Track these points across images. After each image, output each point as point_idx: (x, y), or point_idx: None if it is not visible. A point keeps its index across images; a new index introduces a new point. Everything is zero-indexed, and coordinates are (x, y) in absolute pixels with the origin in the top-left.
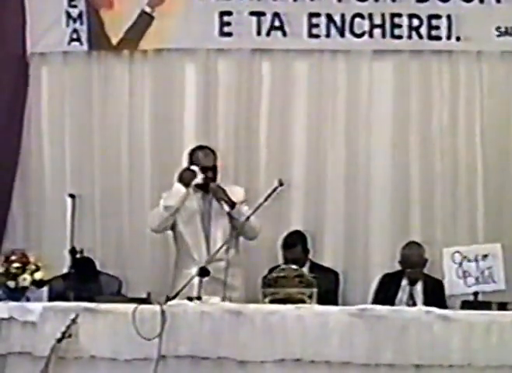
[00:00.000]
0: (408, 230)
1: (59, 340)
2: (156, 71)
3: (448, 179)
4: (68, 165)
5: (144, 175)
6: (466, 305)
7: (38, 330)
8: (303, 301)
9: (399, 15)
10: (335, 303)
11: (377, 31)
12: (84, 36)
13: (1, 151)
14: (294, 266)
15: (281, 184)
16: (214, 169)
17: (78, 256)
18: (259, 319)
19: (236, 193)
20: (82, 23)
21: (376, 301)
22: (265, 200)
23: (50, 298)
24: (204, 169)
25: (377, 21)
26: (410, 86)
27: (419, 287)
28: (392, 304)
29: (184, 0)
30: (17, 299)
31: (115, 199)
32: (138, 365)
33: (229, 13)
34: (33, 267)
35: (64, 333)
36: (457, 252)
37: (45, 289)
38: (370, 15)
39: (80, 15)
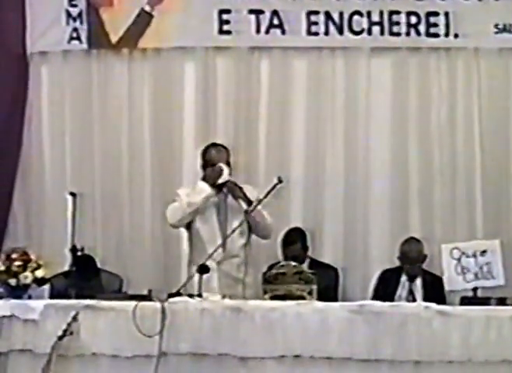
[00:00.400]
0: (407, 226)
1: (60, 338)
2: (155, 69)
3: (447, 176)
4: (69, 164)
5: (144, 173)
6: (465, 301)
7: (39, 328)
8: (303, 298)
9: (397, 13)
10: (335, 299)
11: (376, 28)
12: (84, 35)
13: (1, 149)
14: (294, 263)
15: (280, 181)
16: (227, 166)
17: (78, 253)
18: (259, 316)
19: (248, 191)
20: (81, 22)
21: (375, 297)
22: (265, 197)
23: (52, 296)
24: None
25: (376, 18)
26: (408, 83)
27: (418, 282)
28: (392, 300)
29: None
30: (19, 297)
31: (115, 197)
32: (139, 362)
33: (228, 11)
34: (35, 265)
35: (65, 331)
36: (456, 248)
37: (46, 287)
38: (369, 13)
39: (80, 14)
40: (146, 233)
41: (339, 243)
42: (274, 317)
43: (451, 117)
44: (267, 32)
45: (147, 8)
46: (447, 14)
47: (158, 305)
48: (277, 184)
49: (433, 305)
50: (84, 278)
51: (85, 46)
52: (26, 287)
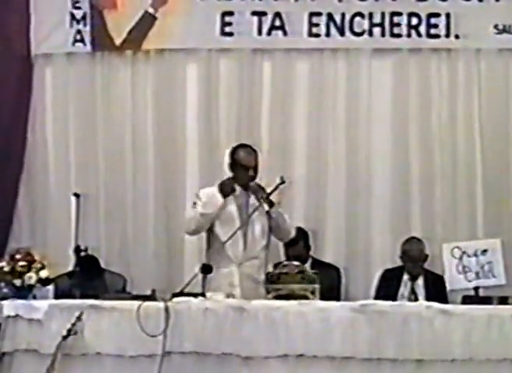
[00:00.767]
0: (409, 226)
1: (65, 337)
2: (158, 70)
3: (448, 175)
4: (73, 165)
5: (147, 173)
6: (467, 300)
7: (44, 328)
8: (305, 297)
9: (399, 14)
10: (337, 299)
11: (377, 30)
12: (87, 37)
13: (6, 150)
14: (296, 263)
15: (283, 182)
16: (255, 168)
17: (82, 254)
18: (262, 315)
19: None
20: (85, 24)
21: (377, 296)
22: (267, 197)
23: (56, 296)
24: (245, 168)
25: (377, 20)
26: (409, 84)
27: (420, 282)
28: (394, 299)
29: (186, 1)
30: (23, 297)
31: (119, 198)
32: (143, 361)
33: (231, 13)
34: (39, 265)
35: (69, 330)
36: (457, 247)
37: (51, 287)
38: (370, 14)
39: (84, 17)
40: (150, 233)
41: (341, 243)
42: (277, 316)
43: (452, 118)
44: (269, 33)
45: (150, 10)
46: (447, 15)
47: (161, 304)
48: (280, 184)
49: (435, 304)
50: (88, 278)
51: (89, 48)
52: (31, 287)
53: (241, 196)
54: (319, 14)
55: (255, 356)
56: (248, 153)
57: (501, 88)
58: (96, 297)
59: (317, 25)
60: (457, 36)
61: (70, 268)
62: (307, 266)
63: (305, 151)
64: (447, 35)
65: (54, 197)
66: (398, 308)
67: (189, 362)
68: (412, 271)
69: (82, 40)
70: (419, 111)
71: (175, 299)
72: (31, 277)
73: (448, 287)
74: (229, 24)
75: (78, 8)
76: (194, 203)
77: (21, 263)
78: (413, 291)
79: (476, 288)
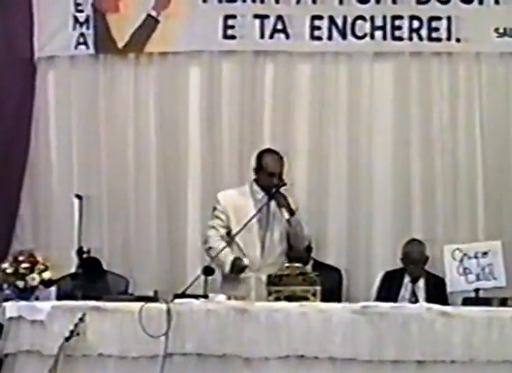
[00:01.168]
0: (410, 228)
1: (67, 339)
2: (161, 73)
3: (449, 178)
4: (76, 167)
5: (150, 176)
6: (467, 302)
7: (47, 329)
8: (307, 299)
9: (400, 17)
10: (339, 300)
11: (378, 33)
12: (90, 40)
13: (9, 153)
14: (298, 265)
15: (284, 184)
16: (280, 175)
17: (85, 255)
18: (264, 317)
19: (291, 201)
20: (88, 27)
21: (378, 298)
22: (269, 200)
23: (59, 297)
24: (271, 175)
25: (378, 23)
26: (411, 87)
27: (421, 284)
28: (395, 301)
29: (188, 4)
30: (26, 299)
31: (122, 200)
32: (145, 363)
33: (233, 16)
34: (42, 267)
35: (72, 332)
36: (458, 249)
37: (53, 288)
38: (372, 18)
39: (87, 20)
40: (152, 235)
41: (342, 245)
42: (278, 318)
43: (453, 121)
44: (271, 36)
45: (153, 14)
46: (448, 18)
47: (164, 306)
48: (281, 186)
49: (436, 306)
50: (90, 280)
51: (91, 51)
52: (34, 288)
53: (262, 201)
54: (320, 17)
55: (257, 357)
56: (275, 160)
57: (502, 91)
58: (98, 298)
59: (319, 28)
60: (458, 40)
61: (73, 270)
62: (309, 268)
63: (307, 153)
64: (448, 38)
65: (56, 199)
66: (398, 310)
67: (191, 363)
68: (413, 273)
69: (85, 43)
70: (420, 114)
71: (177, 301)
72: (34, 279)
73: (449, 289)
74: (232, 27)
75: (81, 11)
76: (214, 209)
77: (24, 265)
78: (414, 293)
79: (477, 290)
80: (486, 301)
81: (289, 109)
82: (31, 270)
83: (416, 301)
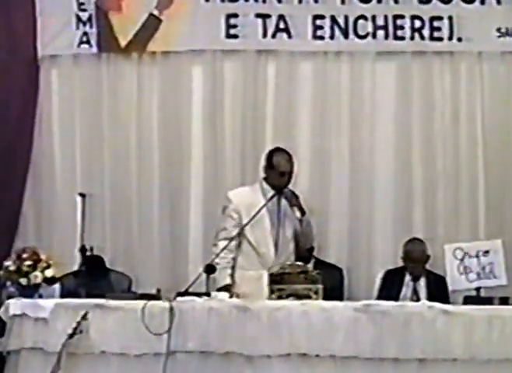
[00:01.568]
0: (411, 227)
1: (70, 336)
2: (163, 72)
3: (450, 177)
4: (79, 165)
5: (153, 175)
6: (468, 300)
7: (50, 326)
8: (308, 297)
9: (402, 17)
10: (340, 299)
11: (380, 32)
12: (93, 39)
13: (13, 151)
14: (299, 263)
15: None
16: (290, 174)
17: (88, 253)
18: (266, 315)
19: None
20: (91, 26)
21: (380, 296)
22: (270, 199)
23: (62, 295)
24: (281, 174)
25: (380, 22)
26: (412, 86)
27: (422, 282)
28: (396, 299)
29: (191, 3)
30: (29, 296)
31: (124, 198)
32: (147, 360)
33: (236, 15)
34: (45, 265)
35: (75, 329)
36: (459, 248)
37: (57, 286)
38: (373, 17)
39: (90, 19)
40: (155, 233)
41: (344, 244)
42: (280, 316)
43: (454, 120)
44: (273, 36)
45: (155, 13)
46: (450, 18)
47: (166, 304)
48: (275, 195)
49: (437, 305)
50: (93, 278)
51: (94, 50)
52: (37, 286)
53: (273, 200)
54: (322, 17)
55: (258, 355)
56: (286, 159)
57: (503, 90)
58: (101, 296)
59: (321, 27)
60: (459, 39)
61: (76, 267)
62: (310, 266)
63: (308, 152)
64: (450, 38)
65: (60, 197)
66: (400, 309)
67: (193, 361)
68: (414, 272)
69: (88, 42)
70: (421, 113)
71: (179, 299)
72: (37, 276)
73: (450, 287)
74: (234, 26)
75: (84, 10)
76: (224, 209)
77: (27, 263)
78: (415, 292)
79: (478, 289)
80: (487, 300)
81: (292, 108)
82: (34, 267)
83: (418, 299)
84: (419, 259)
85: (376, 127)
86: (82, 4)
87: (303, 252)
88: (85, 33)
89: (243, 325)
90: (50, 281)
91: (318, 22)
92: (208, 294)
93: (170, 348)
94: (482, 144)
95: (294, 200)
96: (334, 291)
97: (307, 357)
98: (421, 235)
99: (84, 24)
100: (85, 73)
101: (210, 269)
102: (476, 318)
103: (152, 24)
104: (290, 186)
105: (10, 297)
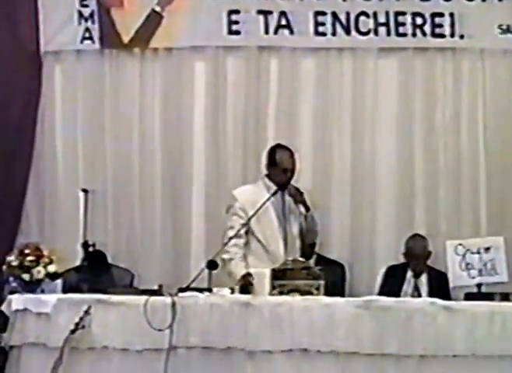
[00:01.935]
0: (413, 223)
1: (73, 331)
2: (166, 68)
3: (452, 174)
4: (81, 161)
5: (155, 170)
6: (469, 297)
7: (52, 321)
8: (310, 293)
9: (403, 14)
10: (342, 295)
11: (382, 29)
12: (96, 35)
13: (15, 147)
14: (301, 259)
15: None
16: (293, 170)
17: (90, 249)
18: (267, 310)
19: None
20: (93, 22)
21: (381, 292)
22: (273, 195)
23: (64, 290)
24: (284, 170)
25: (382, 19)
26: (414, 83)
27: (423, 279)
28: (398, 295)
29: None
30: (32, 291)
31: (127, 194)
32: (149, 355)
33: (237, 12)
34: (47, 260)
35: (77, 324)
36: (461, 244)
37: (59, 281)
38: (375, 14)
39: (92, 14)
40: (157, 229)
41: (346, 240)
42: (282, 312)
43: (456, 116)
44: (275, 32)
45: (157, 9)
46: (452, 15)
47: (168, 299)
48: (277, 190)
49: (438, 301)
50: (96, 273)
51: (97, 45)
52: (39, 281)
53: (277, 197)
54: (324, 13)
55: (260, 350)
56: (288, 156)
57: (505, 87)
58: (103, 291)
59: (322, 24)
60: (461, 36)
61: (78, 263)
62: (312, 262)
63: (310, 148)
64: (452, 35)
65: (62, 193)
66: (401, 304)
67: (195, 356)
68: (416, 268)
69: (90, 38)
70: (423, 109)
71: (181, 294)
72: (39, 272)
73: (451, 283)
74: (236, 22)
75: (86, 5)
76: (229, 208)
77: (30, 258)
78: (416, 288)
79: (479, 285)
80: (488, 296)
81: (294, 105)
82: (37, 263)
83: (419, 295)
84: (421, 256)
85: (378, 124)
86: (84, 0)
87: (306, 247)
88: (87, 29)
89: (244, 321)
90: (52, 277)
91: (320, 18)
92: (209, 290)
93: (171, 343)
94: (483, 140)
95: (299, 196)
96: (336, 287)
97: (309, 352)
98: (423, 232)
99: (86, 20)
100: (87, 69)
101: (212, 264)
102: (478, 315)
103: (154, 20)
104: (292, 183)
105: (12, 292)
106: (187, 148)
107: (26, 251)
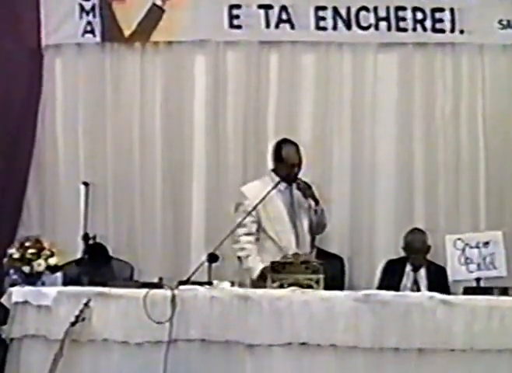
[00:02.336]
0: (412, 217)
1: (73, 324)
2: (167, 62)
3: (451, 168)
4: (82, 154)
5: (155, 163)
6: (468, 291)
7: (52, 314)
8: (310, 287)
9: (403, 9)
10: (341, 288)
11: (383, 24)
12: (97, 29)
13: (16, 140)
14: (301, 253)
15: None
16: (300, 165)
17: (91, 242)
18: (267, 304)
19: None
20: (95, 16)
21: (381, 286)
22: (273, 188)
23: (64, 283)
24: (291, 165)
25: (382, 14)
26: (414, 78)
27: (422, 273)
28: (397, 289)
29: None
30: (32, 284)
31: (127, 187)
32: (149, 348)
33: (238, 6)
34: (48, 253)
35: (77, 317)
36: (460, 239)
37: (59, 274)
38: (375, 9)
39: (93, 8)
40: (157, 222)
41: (345, 234)
42: (281, 305)
43: (456, 111)
44: (276, 26)
45: (158, 3)
46: (452, 10)
47: (168, 292)
48: (279, 182)
49: (437, 295)
50: (96, 266)
51: (98, 39)
52: (40, 274)
53: (286, 192)
54: (324, 8)
55: (259, 344)
56: (294, 151)
57: (504, 83)
58: (103, 284)
59: (323, 18)
60: (461, 31)
61: (78, 256)
62: (312, 256)
63: (311, 142)
64: (452, 30)
65: (63, 186)
66: (400, 298)
67: (195, 349)
68: (415, 262)
69: (91, 31)
70: (423, 104)
71: (181, 287)
72: (40, 264)
73: (450, 278)
74: (237, 17)
75: None
76: (238, 206)
77: (30, 251)
78: (415, 282)
79: (478, 279)
80: (487, 291)
81: (294, 99)
82: (37, 255)
83: (418, 289)
84: (420, 250)
85: (377, 118)
86: None
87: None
88: (88, 23)
89: (244, 315)
90: (53, 269)
91: (321, 13)
92: (209, 283)
93: (171, 336)
94: (482, 135)
95: (308, 190)
96: (335, 281)
97: (308, 346)
98: (422, 226)
99: (87, 14)
100: (88, 62)
101: (212, 258)
102: (476, 309)
103: (155, 14)
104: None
105: (13, 284)
106: (188, 142)
107: (27, 244)
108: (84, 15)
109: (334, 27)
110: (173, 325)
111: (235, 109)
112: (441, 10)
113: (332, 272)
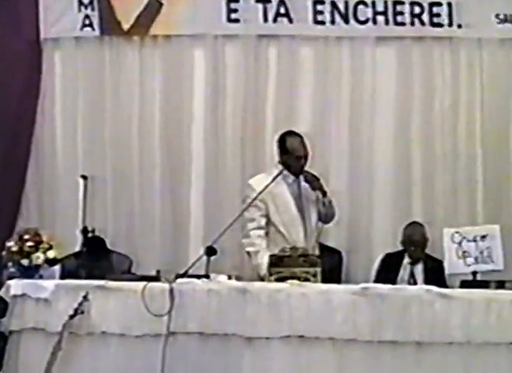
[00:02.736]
0: (410, 211)
1: (71, 317)
2: (165, 55)
3: (449, 162)
4: (81, 148)
5: (154, 157)
6: (465, 284)
7: (51, 307)
8: (307, 280)
9: (401, 3)
10: (339, 282)
11: (380, 18)
12: (96, 22)
13: (15, 133)
14: (299, 246)
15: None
16: (306, 156)
17: (89, 235)
18: (265, 297)
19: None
20: (93, 9)
21: (378, 279)
22: (271, 182)
23: (63, 276)
24: (298, 158)
25: (380, 8)
26: (412, 72)
27: (419, 266)
28: (394, 282)
29: None
30: (31, 277)
31: (126, 180)
32: (147, 341)
33: (236, 0)
34: (46, 246)
35: (76, 310)
36: (457, 232)
37: (58, 267)
38: (373, 3)
39: (92, 1)
40: (156, 215)
41: (343, 227)
42: (279, 298)
43: (454, 105)
44: (274, 20)
45: None
46: (449, 4)
47: (166, 285)
48: (283, 170)
49: (435, 288)
50: (94, 259)
51: (97, 33)
52: (38, 267)
53: (294, 184)
54: (322, 2)
55: (258, 337)
56: (299, 142)
57: (502, 77)
58: (102, 277)
59: (321, 12)
60: (459, 26)
61: (77, 249)
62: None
63: (309, 137)
64: (450, 24)
65: (62, 179)
66: (398, 292)
67: (193, 342)
68: (414, 255)
69: (90, 25)
70: (421, 99)
71: (179, 280)
72: (39, 257)
73: (447, 271)
74: (235, 11)
75: None
76: (246, 199)
77: (29, 244)
78: (412, 275)
79: (474, 273)
80: (484, 284)
81: (292, 93)
82: (36, 248)
83: (415, 282)
84: (419, 243)
85: (376, 112)
86: None
87: None
88: (87, 16)
89: (242, 307)
90: (51, 262)
91: (319, 7)
92: (207, 276)
93: (170, 329)
94: (480, 130)
95: (316, 182)
96: (333, 274)
97: (306, 339)
98: (420, 219)
99: (86, 7)
100: (87, 56)
101: (211, 251)
102: (474, 302)
103: (153, 7)
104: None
105: (11, 277)
106: (187, 135)
107: (26, 236)
108: (83, 8)
109: (332, 21)
110: (171, 318)
111: (233, 103)
112: (439, 4)
113: (330, 265)
